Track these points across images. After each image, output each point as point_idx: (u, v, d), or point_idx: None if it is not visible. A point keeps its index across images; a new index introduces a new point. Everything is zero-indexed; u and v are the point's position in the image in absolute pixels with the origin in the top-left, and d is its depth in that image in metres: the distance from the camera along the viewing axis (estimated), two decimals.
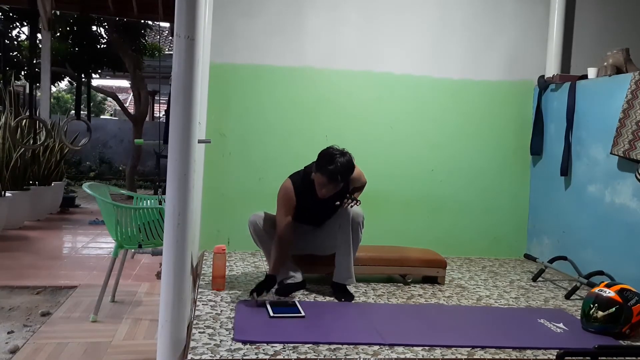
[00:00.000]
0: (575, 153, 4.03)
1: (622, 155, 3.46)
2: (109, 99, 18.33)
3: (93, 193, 3.80)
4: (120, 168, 12.88)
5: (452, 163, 4.50)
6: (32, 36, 6.38)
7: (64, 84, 14.73)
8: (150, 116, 15.44)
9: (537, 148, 4.45)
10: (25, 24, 9.87)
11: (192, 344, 2.34)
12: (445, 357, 2.38)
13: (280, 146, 4.27)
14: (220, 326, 2.58)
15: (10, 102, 7.28)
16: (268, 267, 3.17)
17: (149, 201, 4.38)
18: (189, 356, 2.22)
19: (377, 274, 3.61)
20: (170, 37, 11.84)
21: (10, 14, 9.92)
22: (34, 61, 6.40)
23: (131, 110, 12.11)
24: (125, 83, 16.81)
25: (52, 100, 11.54)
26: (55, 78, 10.68)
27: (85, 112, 10.70)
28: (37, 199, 7.38)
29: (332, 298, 3.15)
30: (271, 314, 2.75)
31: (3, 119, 6.95)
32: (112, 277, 3.98)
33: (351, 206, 3.09)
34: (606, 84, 3.79)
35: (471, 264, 4.26)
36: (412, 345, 2.46)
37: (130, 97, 16.84)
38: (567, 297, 3.42)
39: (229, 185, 4.24)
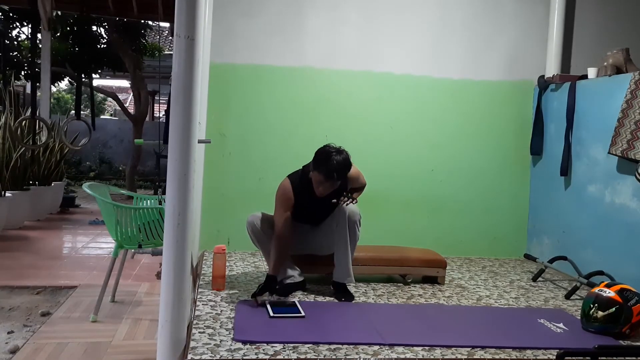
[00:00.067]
0: (575, 153, 4.03)
1: (620, 155, 3.46)
2: (109, 99, 18.35)
3: (93, 193, 3.80)
4: (120, 168, 12.88)
5: (452, 163, 4.50)
6: (32, 36, 6.37)
7: (64, 84, 14.75)
8: (150, 116, 15.44)
9: (537, 148, 4.45)
10: (25, 24, 9.87)
11: (192, 344, 2.34)
12: (445, 357, 2.38)
13: (280, 146, 4.28)
14: (220, 326, 2.58)
15: (10, 102, 7.28)
16: (267, 267, 3.17)
17: (149, 201, 4.38)
18: (189, 356, 2.22)
19: (377, 274, 3.61)
20: (170, 37, 11.84)
21: (10, 14, 9.92)
22: (34, 61, 6.40)
23: (131, 110, 12.11)
24: (125, 83, 16.81)
25: (52, 100, 11.51)
26: (56, 78, 10.66)
27: (86, 112, 10.69)
28: (37, 199, 7.38)
29: (332, 298, 3.15)
30: (271, 314, 2.75)
31: (3, 119, 6.96)
32: (112, 277, 3.99)
33: (347, 204, 3.09)
34: (606, 84, 3.79)
35: (471, 264, 4.26)
36: (412, 345, 2.46)
37: (130, 97, 16.85)
38: (567, 297, 3.42)
39: (229, 185, 4.24)
